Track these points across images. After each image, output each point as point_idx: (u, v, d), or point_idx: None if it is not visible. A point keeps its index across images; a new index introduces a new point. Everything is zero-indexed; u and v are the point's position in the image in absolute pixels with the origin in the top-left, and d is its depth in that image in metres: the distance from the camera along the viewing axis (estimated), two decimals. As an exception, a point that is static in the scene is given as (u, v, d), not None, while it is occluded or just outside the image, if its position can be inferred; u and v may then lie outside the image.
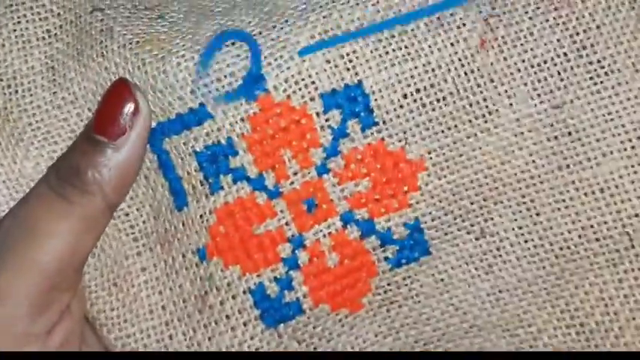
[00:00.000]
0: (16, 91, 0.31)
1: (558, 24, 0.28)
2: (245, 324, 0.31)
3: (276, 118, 0.29)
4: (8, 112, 0.31)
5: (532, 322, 0.31)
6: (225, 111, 0.29)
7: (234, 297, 0.31)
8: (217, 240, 0.30)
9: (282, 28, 0.29)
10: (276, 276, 0.31)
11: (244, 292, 0.31)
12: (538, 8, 0.28)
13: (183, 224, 0.31)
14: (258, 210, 0.30)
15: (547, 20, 0.28)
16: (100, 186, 0.28)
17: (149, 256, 0.31)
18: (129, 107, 0.28)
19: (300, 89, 0.29)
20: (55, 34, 0.31)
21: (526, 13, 0.28)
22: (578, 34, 0.28)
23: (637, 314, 0.29)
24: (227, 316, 0.31)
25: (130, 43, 0.29)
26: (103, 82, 0.30)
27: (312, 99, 0.29)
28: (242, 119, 0.29)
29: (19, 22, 0.31)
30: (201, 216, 0.30)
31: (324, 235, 0.30)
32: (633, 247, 0.29)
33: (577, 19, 0.28)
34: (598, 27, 0.28)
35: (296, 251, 0.31)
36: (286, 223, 0.30)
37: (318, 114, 0.29)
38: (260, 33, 0.29)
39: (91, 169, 0.28)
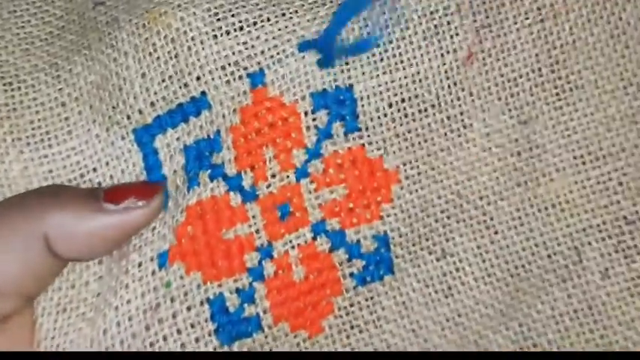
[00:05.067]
0: (19, 88, 0.30)
1: (540, 37, 0.30)
2: (197, 340, 0.29)
3: (265, 113, 0.29)
4: (10, 108, 0.30)
5: (488, 347, 0.31)
6: (222, 101, 0.29)
7: (189, 308, 0.29)
8: (182, 242, 0.29)
9: (290, 18, 0.29)
10: (238, 287, 0.30)
11: (202, 303, 0.29)
12: (527, 19, 0.30)
13: (153, 229, 0.29)
14: (231, 213, 0.29)
15: (531, 33, 0.30)
16: (50, 228, 0.27)
17: (107, 281, 0.29)
18: (142, 199, 0.28)
19: (294, 86, 0.29)
20: (58, 34, 0.31)
21: (515, 24, 0.30)
22: (555, 48, 0.30)
23: (586, 328, 0.31)
24: (178, 331, 0.29)
25: (138, 29, 0.29)
26: (109, 75, 0.29)
27: (302, 97, 0.29)
28: (234, 110, 0.29)
29: (22, 27, 0.31)
30: (173, 216, 0.29)
31: (293, 247, 0.30)
32: (581, 261, 0.31)
33: (558, 32, 0.30)
34: (574, 41, 0.30)
35: (263, 262, 0.30)
36: (257, 231, 0.30)
37: (306, 113, 0.29)
38: (268, 20, 0.29)
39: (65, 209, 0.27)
